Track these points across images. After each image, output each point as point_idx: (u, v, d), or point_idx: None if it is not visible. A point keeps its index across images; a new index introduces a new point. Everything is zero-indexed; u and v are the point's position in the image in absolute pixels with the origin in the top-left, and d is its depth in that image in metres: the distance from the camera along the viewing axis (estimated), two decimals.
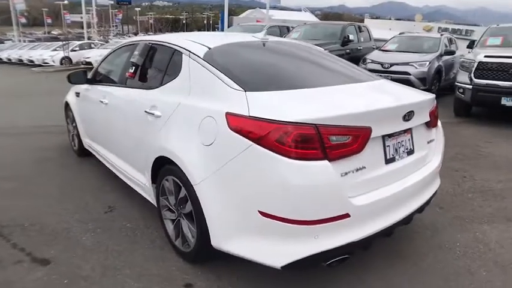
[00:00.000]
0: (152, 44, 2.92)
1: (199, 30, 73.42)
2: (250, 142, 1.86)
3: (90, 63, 15.51)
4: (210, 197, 2.07)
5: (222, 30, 41.29)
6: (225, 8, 17.31)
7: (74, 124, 4.49)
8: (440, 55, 8.58)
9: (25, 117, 7.06)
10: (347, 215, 1.89)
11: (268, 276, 2.32)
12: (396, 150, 2.20)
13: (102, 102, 3.34)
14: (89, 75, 3.91)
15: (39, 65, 18.80)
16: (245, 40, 2.81)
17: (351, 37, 9.54)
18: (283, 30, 12.09)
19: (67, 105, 4.64)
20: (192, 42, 2.58)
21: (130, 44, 3.36)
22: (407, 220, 2.26)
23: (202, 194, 2.09)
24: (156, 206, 2.78)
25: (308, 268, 2.02)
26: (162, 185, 2.54)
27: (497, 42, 6.92)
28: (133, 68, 2.88)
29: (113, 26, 47.94)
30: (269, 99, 2.03)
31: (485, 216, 3.25)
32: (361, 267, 2.44)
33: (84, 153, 4.49)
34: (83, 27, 31.91)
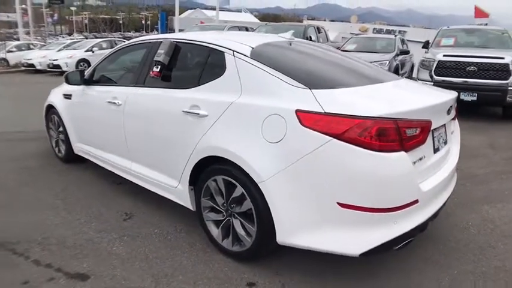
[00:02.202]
0: (179, 42, 2.81)
1: (137, 31, 70.53)
2: (329, 137, 1.91)
3: (32, 65, 14.22)
4: (279, 193, 2.07)
5: (163, 30, 40.32)
6: (176, 9, 16.90)
7: (60, 129, 4.13)
8: (397, 54, 9.25)
9: None
10: (417, 201, 2.02)
11: (324, 268, 2.37)
12: (439, 140, 2.39)
13: (113, 103, 3.12)
14: (85, 75, 3.62)
15: None
16: (278, 40, 2.81)
17: (313, 37, 9.89)
18: (243, 30, 12.15)
19: (50, 108, 4.25)
20: (232, 42, 2.53)
21: (143, 43, 3.19)
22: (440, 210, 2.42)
23: (270, 191, 2.08)
24: (191, 208, 2.69)
25: (381, 253, 2.10)
26: (206, 185, 2.46)
27: (450, 42, 7.63)
28: (159, 67, 2.73)
29: (43, 27, 44.21)
30: (337, 96, 2.09)
31: (481, 198, 3.59)
32: (407, 253, 2.58)
33: (71, 159, 4.17)
34: (10, 27, 29.10)
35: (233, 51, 2.44)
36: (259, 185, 2.11)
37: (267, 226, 2.17)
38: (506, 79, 6.31)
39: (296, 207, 2.05)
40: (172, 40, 2.80)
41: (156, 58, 2.75)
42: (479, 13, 15.09)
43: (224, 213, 2.44)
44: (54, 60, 13.69)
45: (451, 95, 2.44)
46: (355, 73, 2.61)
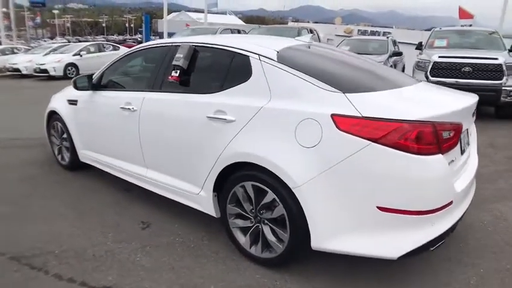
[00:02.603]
0: (198, 46, 2.76)
1: (120, 34, 69.58)
2: (368, 141, 1.90)
3: (18, 70, 13.84)
4: (315, 199, 2.04)
5: (147, 33, 39.79)
6: (165, 12, 16.73)
7: (64, 136, 4.01)
8: (390, 56, 9.37)
9: None
10: (452, 202, 2.03)
11: (354, 272, 2.36)
12: (463, 142, 2.41)
13: (126, 108, 3.04)
14: (93, 80, 3.53)
15: None
16: (299, 43, 2.78)
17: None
18: (235, 33, 12.11)
19: (52, 115, 4.13)
20: (256, 45, 2.50)
21: (157, 47, 3.12)
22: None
23: (306, 196, 2.05)
24: (213, 215, 2.64)
25: (417, 255, 2.10)
26: (233, 192, 2.42)
27: (443, 43, 7.78)
28: (178, 71, 2.68)
29: (24, 30, 43.06)
30: (371, 100, 2.09)
31: (490, 197, 3.65)
32: (431, 253, 2.59)
33: (75, 167, 4.05)
34: None
35: (258, 55, 2.40)
36: (293, 190, 2.08)
37: (300, 232, 2.15)
38: (500, 79, 6.46)
39: (332, 212, 2.03)
40: (191, 44, 2.75)
41: (174, 62, 2.69)
42: (464, 14, 15.46)
43: (252, 220, 2.40)
44: (41, 64, 13.33)
45: (474, 97, 2.47)
46: (379, 76, 2.61)
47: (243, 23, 52.19)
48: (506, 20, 13.38)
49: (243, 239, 2.48)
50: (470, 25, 14.53)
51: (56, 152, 4.26)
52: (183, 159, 2.73)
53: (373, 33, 34.54)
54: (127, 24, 76.51)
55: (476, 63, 6.56)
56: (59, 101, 4.05)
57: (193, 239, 2.76)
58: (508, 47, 7.23)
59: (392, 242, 1.97)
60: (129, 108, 3.02)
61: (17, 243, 2.70)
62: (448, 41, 7.82)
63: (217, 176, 2.47)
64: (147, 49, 3.23)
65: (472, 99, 2.39)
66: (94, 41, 23.70)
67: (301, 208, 2.09)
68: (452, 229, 2.22)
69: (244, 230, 2.47)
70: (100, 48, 14.71)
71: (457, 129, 2.06)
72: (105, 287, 2.24)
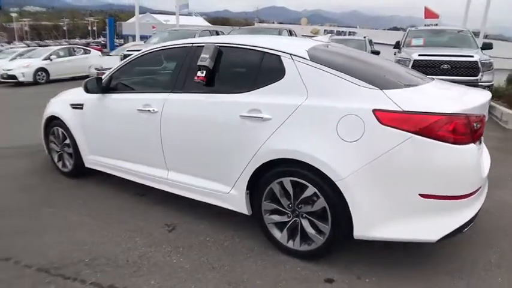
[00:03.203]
0: (224, 46, 2.77)
1: (82, 37, 67.03)
2: (410, 134, 2.03)
3: None
4: (358, 190, 2.13)
5: (111, 37, 38.67)
6: (136, 11, 16.34)
7: (66, 142, 3.87)
8: None
9: None
10: (481, 186, 2.19)
11: (387, 256, 2.48)
12: None
13: (145, 110, 3.00)
14: (103, 83, 3.43)
15: None
16: (320, 43, 2.86)
17: None
18: (214, 34, 12.07)
19: (52, 120, 3.97)
20: (286, 45, 2.57)
21: (175, 48, 3.10)
22: None
23: (349, 188, 2.14)
24: (245, 213, 2.67)
25: (452, 237, 2.24)
26: (269, 188, 2.46)
27: (420, 42, 8.18)
28: (204, 72, 2.68)
29: None
30: (407, 95, 2.22)
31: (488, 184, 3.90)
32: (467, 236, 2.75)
33: (78, 174, 3.93)
34: None
35: (290, 54, 2.46)
36: (337, 183, 2.16)
37: (341, 222, 2.23)
38: (476, 76, 6.89)
39: (375, 202, 2.13)
40: (216, 44, 2.76)
41: (200, 63, 2.69)
42: (430, 14, 16.27)
43: (290, 214, 2.45)
44: (8, 70, 12.62)
45: (488, 94, 2.64)
46: (401, 74, 2.73)
47: (209, 24, 51.88)
48: (469, 19, 14.23)
49: (279, 234, 2.52)
50: (436, 24, 15.33)
51: (56, 159, 4.10)
52: (212, 159, 2.73)
53: (339, 33, 35.43)
54: (89, 27, 73.91)
55: (454, 61, 6.96)
56: (60, 105, 3.91)
57: (224, 238, 2.77)
58: (480, 45, 7.71)
59: (432, 226, 2.11)
60: (148, 110, 2.97)
61: (40, 254, 2.59)
62: (424, 40, 8.23)
63: (251, 173, 2.50)
64: (162, 50, 3.19)
65: (487, 94, 2.57)
66: (58, 45, 22.64)
67: (344, 200, 2.17)
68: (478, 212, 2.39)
69: (280, 225, 2.52)
70: (71, 52, 14.15)
71: (482, 120, 2.23)
72: None
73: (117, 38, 46.41)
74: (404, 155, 2.05)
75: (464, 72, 6.93)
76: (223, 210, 2.83)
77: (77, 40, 53.06)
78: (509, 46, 16.78)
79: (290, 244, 2.48)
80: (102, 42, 48.59)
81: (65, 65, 13.34)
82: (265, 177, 2.48)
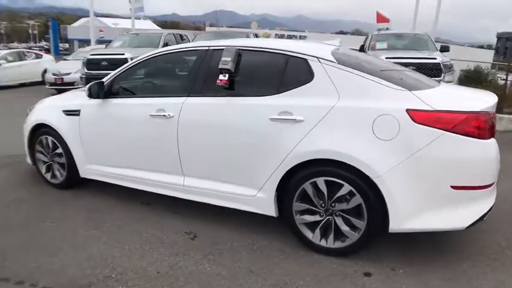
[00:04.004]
0: (246, 50, 2.77)
1: (22, 41, 62.16)
2: (442, 131, 2.18)
3: None
4: (395, 185, 2.24)
5: (56, 41, 36.39)
6: (91, 14, 15.60)
7: (57, 151, 3.61)
8: None
9: None
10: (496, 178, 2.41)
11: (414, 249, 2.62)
12: None
13: (160, 115, 2.89)
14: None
15: None
16: (334, 47, 2.92)
17: None
18: (178, 38, 11.85)
19: (37, 128, 3.69)
20: (311, 49, 2.63)
21: (188, 51, 3.03)
22: None
23: (387, 184, 2.24)
24: (272, 215, 2.69)
25: (475, 224, 2.41)
26: (301, 189, 2.49)
27: (384, 46, 8.64)
28: (227, 75, 2.65)
29: None
30: (434, 96, 2.38)
31: None
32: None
33: (71, 185, 3.69)
34: None
35: (317, 58, 2.52)
36: (374, 180, 2.25)
37: (376, 218, 2.33)
38: (439, 76, 7.42)
39: (411, 196, 2.26)
40: (237, 47, 2.74)
41: (222, 66, 2.66)
42: (381, 18, 17.28)
43: (322, 213, 2.50)
44: None
45: (495, 96, 2.87)
46: (416, 77, 2.87)
47: (159, 28, 50.68)
48: (417, 23, 15.30)
49: (310, 234, 2.56)
50: (387, 28, 16.27)
51: (44, 170, 3.80)
52: (237, 163, 2.71)
53: (289, 37, 36.27)
54: (30, 31, 68.79)
55: (418, 63, 7.43)
56: (49, 112, 3.64)
57: (251, 242, 2.75)
58: (438, 48, 8.34)
59: (461, 214, 2.29)
60: (164, 115, 2.87)
61: (57, 273, 2.40)
62: (388, 44, 8.71)
63: (282, 175, 2.52)
64: (171, 54, 3.10)
65: (494, 95, 2.79)
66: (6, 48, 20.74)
67: (381, 195, 2.27)
68: None
69: (312, 225, 2.56)
70: (21, 57, 13.10)
71: (495, 117, 2.44)
72: None
73: (61, 42, 43.76)
74: (437, 150, 2.20)
75: (429, 73, 7.41)
76: (240, 215, 2.84)
77: (16, 44, 49.00)
78: (457, 49, 18.22)
79: (323, 243, 2.53)
80: (45, 46, 45.44)
81: (15, 70, 12.33)
82: (296, 178, 2.51)
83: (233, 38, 10.21)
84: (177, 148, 2.89)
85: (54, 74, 10.43)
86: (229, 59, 2.68)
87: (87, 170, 3.51)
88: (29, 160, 3.97)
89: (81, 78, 9.42)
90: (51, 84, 10.56)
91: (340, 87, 2.42)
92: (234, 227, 2.95)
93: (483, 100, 2.46)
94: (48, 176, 3.79)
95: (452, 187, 2.23)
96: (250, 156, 2.64)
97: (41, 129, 3.70)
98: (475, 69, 9.69)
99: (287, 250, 2.64)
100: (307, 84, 2.51)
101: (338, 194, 2.40)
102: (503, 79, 9.59)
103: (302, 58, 2.57)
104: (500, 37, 61.14)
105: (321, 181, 2.43)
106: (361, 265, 2.45)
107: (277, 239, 2.77)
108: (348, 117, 2.36)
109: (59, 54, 28.41)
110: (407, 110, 2.24)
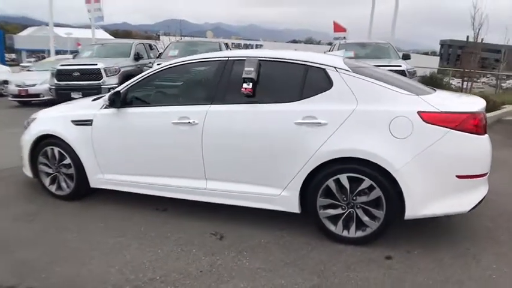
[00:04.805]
0: (267, 61, 3.02)
1: None
2: (447, 129, 2.57)
3: None
4: (410, 178, 2.59)
5: (1, 51, 34.08)
6: (50, 25, 14.93)
7: (65, 162, 3.59)
8: None
9: None
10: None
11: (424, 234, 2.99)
12: None
13: (185, 123, 3.03)
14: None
15: None
16: (342, 57, 3.23)
17: None
18: (147, 47, 11.77)
19: (42, 139, 3.65)
20: (327, 59, 2.93)
21: (206, 61, 3.23)
22: None
23: (404, 177, 2.58)
24: (296, 211, 2.93)
25: (475, 208, 2.80)
26: (325, 186, 2.76)
27: (351, 54, 9.20)
28: (250, 84, 2.87)
29: None
30: (437, 99, 2.76)
31: None
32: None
33: (78, 196, 3.68)
34: None
35: (335, 67, 2.82)
36: (393, 174, 2.58)
37: (394, 207, 2.66)
38: None
39: (424, 186, 2.61)
40: (258, 59, 2.97)
41: (246, 75, 2.88)
42: (338, 28, 18.23)
43: (344, 207, 2.78)
44: None
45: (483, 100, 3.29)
46: (413, 84, 3.26)
47: (112, 37, 49.30)
48: (372, 33, 16.40)
49: (333, 227, 2.84)
50: (344, 37, 17.20)
51: (48, 183, 3.74)
52: (262, 165, 2.92)
53: (246, 46, 36.85)
54: None
55: (387, 70, 8.05)
56: (56, 123, 3.61)
57: (277, 238, 2.96)
58: (400, 56, 9.07)
59: (463, 200, 2.68)
60: (188, 122, 3.02)
61: (100, 281, 2.45)
62: (355, 53, 9.31)
63: (307, 174, 2.77)
64: (190, 64, 3.26)
65: (482, 99, 3.14)
66: None
67: (398, 187, 2.60)
68: None
69: (334, 218, 2.83)
70: None
71: (485, 117, 2.88)
72: None
73: (6, 53, 41.03)
74: (444, 145, 2.57)
75: None
76: (258, 214, 3.09)
77: None
78: (413, 57, 19.71)
79: (345, 233, 2.81)
80: None
81: None
82: (320, 176, 2.77)
83: (205, 47, 10.40)
84: (201, 153, 3.04)
85: (18, 86, 9.90)
86: (252, 69, 2.90)
87: (98, 179, 3.53)
88: (28, 173, 3.87)
89: (49, 89, 9.09)
90: (15, 96, 10.01)
91: (357, 93, 2.73)
92: (255, 226, 3.14)
93: (476, 103, 2.89)
94: (52, 188, 3.74)
95: (457, 176, 2.61)
96: (275, 158, 2.87)
97: (45, 141, 3.66)
98: (431, 75, 10.63)
99: (312, 243, 2.88)
100: (327, 91, 2.80)
101: (359, 188, 2.70)
102: (453, 85, 10.66)
103: (321, 68, 2.86)
104: (444, 44, 66.44)
105: (343, 177, 2.71)
106: (381, 251, 2.76)
107: (300, 233, 3.01)
108: (367, 119, 2.68)
109: (6, 65, 26.70)
110: (419, 112, 2.60)
